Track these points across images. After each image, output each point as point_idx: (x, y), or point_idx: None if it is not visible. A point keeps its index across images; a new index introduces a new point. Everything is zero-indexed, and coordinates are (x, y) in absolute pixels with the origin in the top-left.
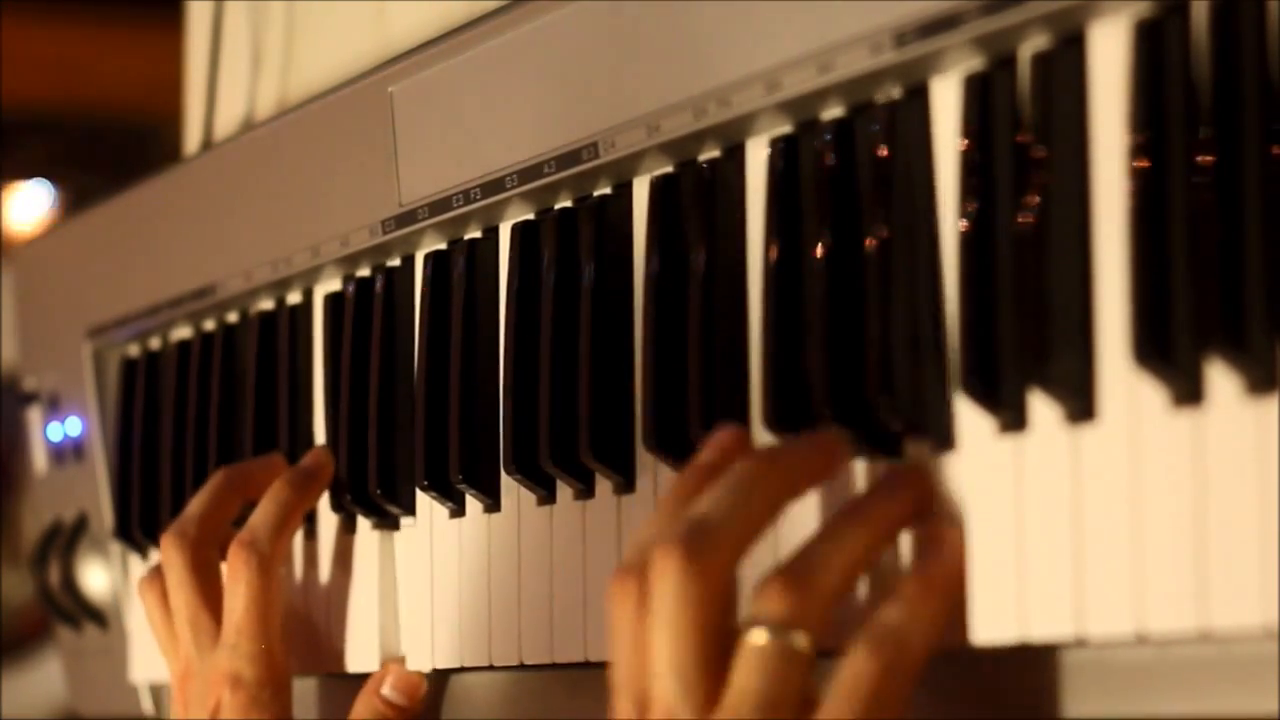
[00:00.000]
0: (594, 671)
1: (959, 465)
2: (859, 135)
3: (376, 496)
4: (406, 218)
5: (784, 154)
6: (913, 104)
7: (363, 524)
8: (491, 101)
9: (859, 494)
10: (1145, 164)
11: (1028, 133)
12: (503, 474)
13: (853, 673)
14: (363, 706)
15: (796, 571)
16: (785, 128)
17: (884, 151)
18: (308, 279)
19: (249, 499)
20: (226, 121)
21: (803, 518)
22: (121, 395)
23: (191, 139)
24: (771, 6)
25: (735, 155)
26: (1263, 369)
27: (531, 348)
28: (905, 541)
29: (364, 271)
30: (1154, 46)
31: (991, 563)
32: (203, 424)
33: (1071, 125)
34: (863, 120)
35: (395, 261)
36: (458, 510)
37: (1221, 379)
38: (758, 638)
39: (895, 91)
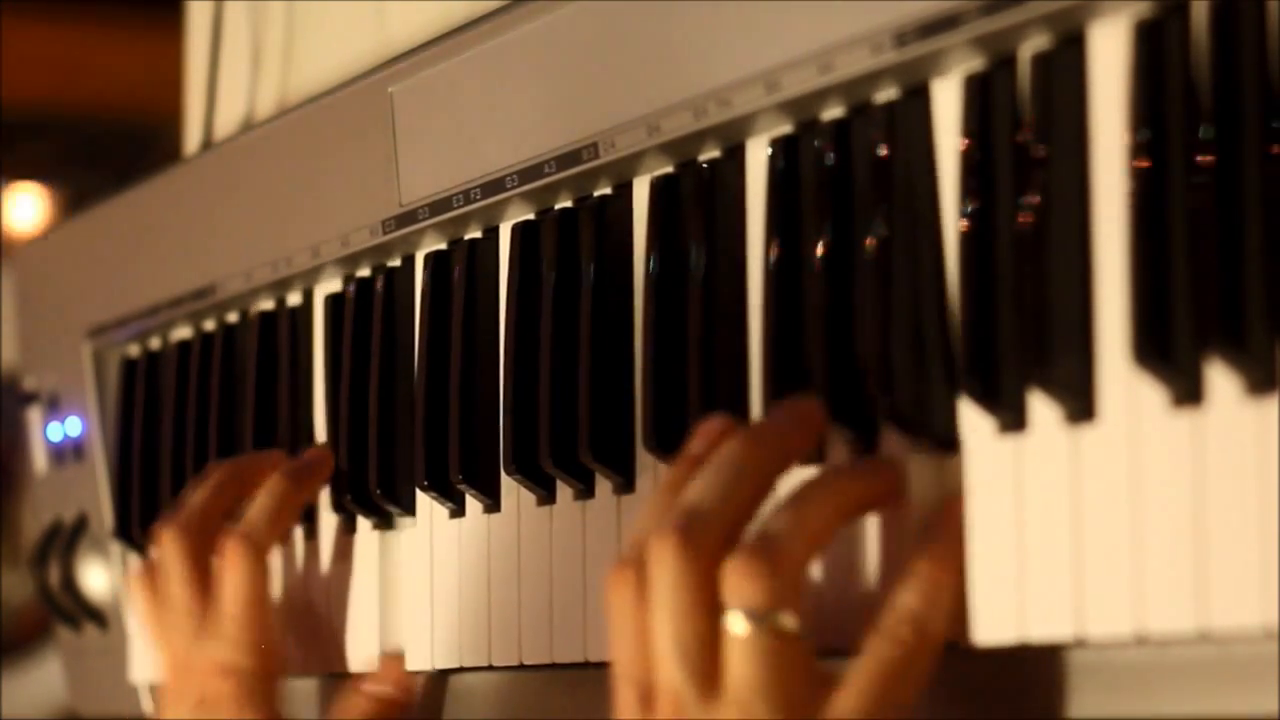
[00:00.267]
0: (594, 671)
1: (959, 465)
2: (859, 135)
3: (376, 496)
4: (407, 218)
5: (784, 154)
6: (913, 104)
7: (363, 524)
8: (492, 101)
9: (823, 470)
10: (1145, 164)
11: (1028, 133)
12: (503, 474)
13: (875, 656)
14: (347, 704)
15: (762, 549)
16: (785, 128)
17: (884, 152)
18: (308, 279)
19: (248, 493)
20: (226, 121)
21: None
22: (121, 395)
23: (191, 139)
24: (771, 6)
25: (735, 155)
26: (1263, 369)
27: (531, 348)
28: (904, 543)
29: (364, 272)
30: (1154, 47)
31: (991, 563)
32: (203, 424)
33: (1071, 125)
34: (863, 120)
35: (395, 261)
36: (458, 510)
37: (1221, 379)
38: (739, 626)
39: (895, 92)
